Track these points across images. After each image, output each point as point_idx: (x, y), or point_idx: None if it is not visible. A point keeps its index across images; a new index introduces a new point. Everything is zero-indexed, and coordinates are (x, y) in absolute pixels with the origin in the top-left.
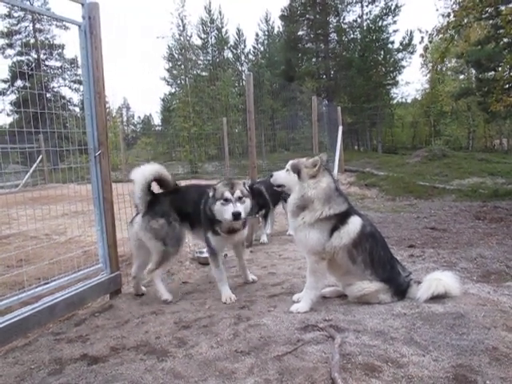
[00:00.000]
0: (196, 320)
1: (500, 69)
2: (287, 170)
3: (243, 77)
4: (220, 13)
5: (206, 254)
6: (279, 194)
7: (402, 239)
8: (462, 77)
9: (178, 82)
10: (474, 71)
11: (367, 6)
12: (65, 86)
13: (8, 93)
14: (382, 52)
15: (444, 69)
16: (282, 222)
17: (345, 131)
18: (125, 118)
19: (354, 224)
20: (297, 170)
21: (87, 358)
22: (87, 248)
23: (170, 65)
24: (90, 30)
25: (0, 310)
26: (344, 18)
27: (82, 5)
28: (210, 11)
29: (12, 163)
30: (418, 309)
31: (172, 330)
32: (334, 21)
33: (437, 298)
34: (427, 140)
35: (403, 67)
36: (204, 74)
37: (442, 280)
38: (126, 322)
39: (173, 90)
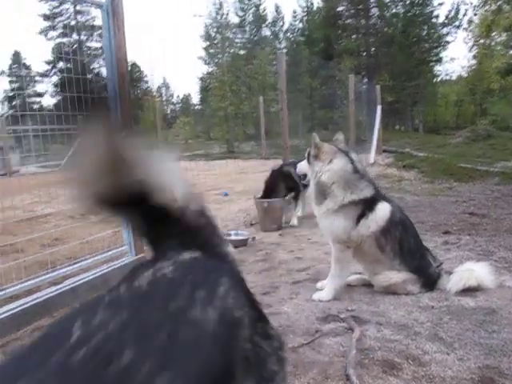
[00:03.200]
0: None
1: None
2: (305, 158)
3: None
4: None
5: (233, 237)
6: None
7: (437, 224)
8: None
9: (216, 60)
10: None
11: None
12: (104, 66)
13: (51, 74)
14: (426, 27)
15: (493, 43)
16: None
17: (385, 110)
18: (164, 98)
19: (383, 210)
20: (314, 157)
21: None
22: (118, 228)
23: (207, 43)
24: (113, 11)
25: (31, 290)
26: None
27: None
28: None
29: (55, 144)
30: (447, 302)
31: None
32: None
33: (468, 291)
34: (472, 119)
35: (448, 43)
36: (241, 52)
37: (474, 271)
38: None
39: (210, 69)
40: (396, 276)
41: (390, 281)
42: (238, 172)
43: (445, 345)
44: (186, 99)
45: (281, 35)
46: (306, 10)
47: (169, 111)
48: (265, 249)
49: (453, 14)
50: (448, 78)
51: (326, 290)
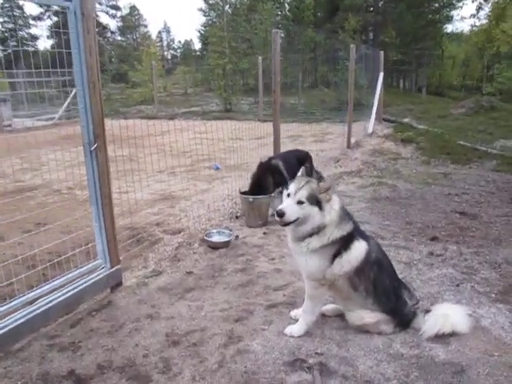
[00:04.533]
0: (188, 333)
1: None
2: (300, 202)
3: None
4: None
5: (215, 238)
6: (297, 169)
7: (425, 226)
8: None
9: (216, 12)
10: None
11: None
12: (102, 11)
13: (45, 18)
14: None
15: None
16: None
17: (389, 69)
18: (165, 43)
19: (359, 250)
20: (316, 201)
21: (73, 376)
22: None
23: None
24: (81, 11)
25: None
26: None
27: None
28: None
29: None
30: (418, 350)
31: (162, 345)
32: None
33: (442, 337)
34: (478, 81)
35: (459, 1)
36: (242, 4)
37: (450, 317)
38: (121, 327)
39: (209, 22)
40: (369, 316)
41: (362, 320)
42: (233, 138)
43: None
44: (187, 44)
45: None
46: None
47: (169, 56)
48: (246, 253)
49: None
50: (456, 37)
51: (298, 324)
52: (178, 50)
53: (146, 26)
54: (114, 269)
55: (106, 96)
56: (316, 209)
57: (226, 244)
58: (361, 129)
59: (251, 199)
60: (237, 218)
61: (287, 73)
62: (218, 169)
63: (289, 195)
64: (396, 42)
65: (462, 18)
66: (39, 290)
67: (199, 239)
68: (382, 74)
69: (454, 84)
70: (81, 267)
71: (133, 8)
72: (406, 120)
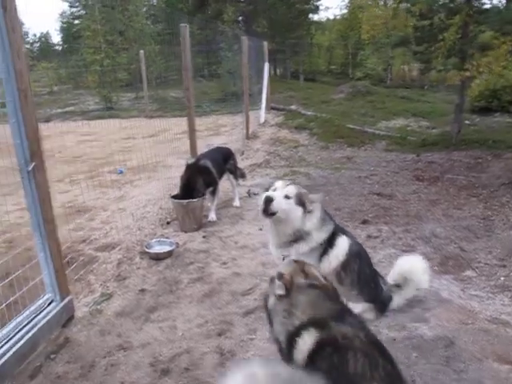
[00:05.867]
0: (174, 358)
1: (449, 31)
2: (287, 196)
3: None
4: None
5: (156, 249)
6: (223, 166)
7: (352, 211)
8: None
9: (83, 2)
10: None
11: None
12: None
13: None
14: None
15: None
16: (225, 187)
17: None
18: None
19: (343, 245)
20: (301, 202)
21: None
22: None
23: None
24: (3, 5)
25: None
26: None
27: None
28: None
29: None
30: (406, 331)
31: (151, 377)
32: None
33: (418, 316)
34: (343, 67)
35: None
36: None
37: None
38: (92, 367)
39: (76, 13)
40: (354, 307)
41: None
42: (124, 137)
43: None
44: (44, 37)
45: None
46: None
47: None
48: (195, 261)
49: None
50: (322, 26)
51: None
52: (35, 45)
53: None
54: (65, 300)
55: None
56: (300, 210)
57: (169, 254)
58: (253, 119)
59: (185, 203)
60: (168, 223)
61: (167, 66)
62: (121, 172)
63: (275, 190)
64: (268, 32)
65: (326, 8)
66: None
67: (138, 252)
68: (267, 64)
69: (322, 69)
70: (29, 307)
71: None
72: (293, 107)
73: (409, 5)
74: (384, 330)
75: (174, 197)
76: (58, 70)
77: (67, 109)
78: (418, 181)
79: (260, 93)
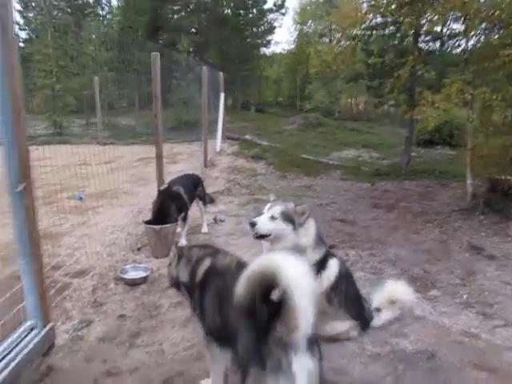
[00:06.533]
0: (166, 381)
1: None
2: (273, 217)
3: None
4: None
5: (131, 274)
6: (193, 193)
7: None
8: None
9: (35, 26)
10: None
11: None
12: None
13: None
14: (256, 11)
15: (310, 31)
16: (194, 214)
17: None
18: None
19: (333, 267)
20: (289, 219)
21: None
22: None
23: (22, 6)
24: (2, 24)
25: None
26: None
27: None
28: None
29: None
30: (389, 346)
31: None
32: None
33: (397, 332)
34: (290, 99)
35: (274, 28)
36: (59, 19)
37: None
38: None
39: (25, 35)
40: (341, 325)
41: (335, 330)
42: (78, 163)
43: None
44: None
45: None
46: None
47: None
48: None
49: (280, 1)
50: (271, 60)
51: None
52: None
53: None
54: (47, 327)
55: None
56: (290, 227)
57: (145, 279)
58: (209, 147)
59: (158, 228)
60: (138, 249)
61: (119, 93)
62: (81, 199)
63: (263, 213)
64: (219, 63)
65: (276, 43)
66: None
67: (113, 278)
68: (223, 94)
69: (269, 101)
70: (11, 335)
71: None
72: (247, 137)
73: (363, 45)
74: (368, 346)
75: (147, 222)
76: None
77: None
78: (376, 208)
79: (215, 122)
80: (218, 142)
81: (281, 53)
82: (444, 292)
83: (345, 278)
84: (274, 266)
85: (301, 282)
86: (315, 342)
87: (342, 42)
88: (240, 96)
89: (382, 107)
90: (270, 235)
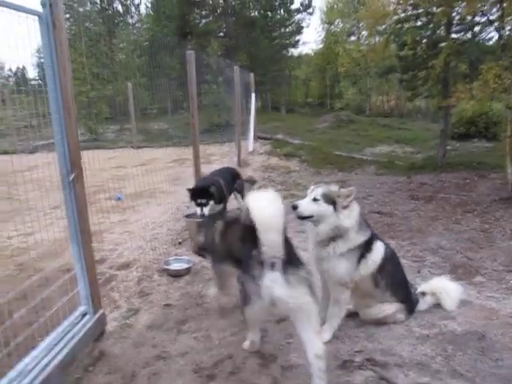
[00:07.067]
0: (216, 364)
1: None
2: (315, 199)
3: (139, 34)
4: None
5: (175, 266)
6: (231, 185)
7: None
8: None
9: (69, 37)
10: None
11: None
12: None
13: None
14: (284, 12)
15: (338, 30)
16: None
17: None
18: None
19: (379, 249)
20: (331, 201)
21: None
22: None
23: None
24: (53, 21)
25: None
26: None
27: None
28: None
29: None
30: (436, 329)
31: (198, 383)
32: None
33: (444, 315)
34: (320, 98)
35: (302, 28)
36: (92, 28)
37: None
38: (134, 376)
39: None
40: (388, 308)
41: (383, 313)
42: (114, 166)
43: (468, 381)
44: (21, 72)
45: (133, 9)
46: None
47: None
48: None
49: (307, 1)
50: (300, 60)
51: (325, 330)
52: (11, 79)
53: None
54: (98, 314)
55: None
56: (331, 208)
57: (188, 271)
58: (241, 147)
59: (198, 220)
60: (180, 243)
61: (151, 99)
62: (120, 199)
63: (306, 196)
64: (249, 65)
65: (304, 43)
66: (30, 357)
67: (156, 270)
68: (253, 95)
69: (299, 101)
70: (68, 318)
71: None
72: (279, 136)
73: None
74: (416, 328)
75: (188, 216)
76: (35, 105)
77: (52, 140)
78: (414, 200)
79: (246, 122)
80: (250, 142)
81: (309, 54)
82: (489, 278)
83: (391, 260)
84: (250, 206)
85: (265, 219)
86: (293, 264)
87: (372, 39)
88: (270, 97)
89: (414, 102)
90: (312, 216)
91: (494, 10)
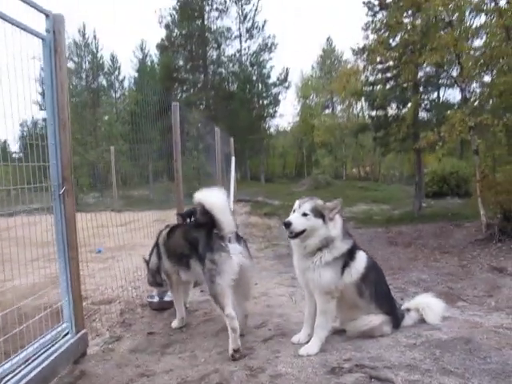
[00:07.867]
0: (203, 377)
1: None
2: (304, 214)
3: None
4: (95, 37)
5: (158, 299)
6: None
7: None
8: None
9: None
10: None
11: (245, 41)
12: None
13: None
14: (261, 85)
15: (313, 103)
16: None
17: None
18: None
19: (362, 258)
20: (319, 214)
21: None
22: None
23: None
24: (55, 47)
25: None
26: (224, 52)
27: (47, 16)
28: (84, 34)
29: None
30: (422, 338)
31: None
32: (214, 54)
33: (429, 326)
34: (297, 168)
35: (279, 101)
36: (77, 99)
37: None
38: None
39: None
40: (374, 319)
41: (368, 324)
42: (95, 226)
43: (459, 376)
44: (3, 146)
45: (117, 84)
46: (141, 61)
47: None
48: (199, 309)
49: (283, 76)
50: (277, 130)
51: (312, 343)
52: None
53: None
54: (81, 333)
55: None
56: (320, 221)
57: (171, 304)
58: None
59: None
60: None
61: (133, 165)
62: (100, 252)
63: (294, 211)
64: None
65: (281, 115)
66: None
67: (139, 305)
68: (233, 159)
69: (277, 172)
70: (50, 332)
71: None
72: (259, 199)
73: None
74: (403, 339)
75: None
76: (15, 174)
77: (32, 205)
78: (393, 245)
79: (226, 184)
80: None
81: (286, 129)
82: (471, 302)
83: (374, 270)
84: (202, 199)
85: (219, 204)
86: (241, 238)
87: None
88: (249, 167)
89: (389, 171)
90: (304, 232)
91: (454, 68)
